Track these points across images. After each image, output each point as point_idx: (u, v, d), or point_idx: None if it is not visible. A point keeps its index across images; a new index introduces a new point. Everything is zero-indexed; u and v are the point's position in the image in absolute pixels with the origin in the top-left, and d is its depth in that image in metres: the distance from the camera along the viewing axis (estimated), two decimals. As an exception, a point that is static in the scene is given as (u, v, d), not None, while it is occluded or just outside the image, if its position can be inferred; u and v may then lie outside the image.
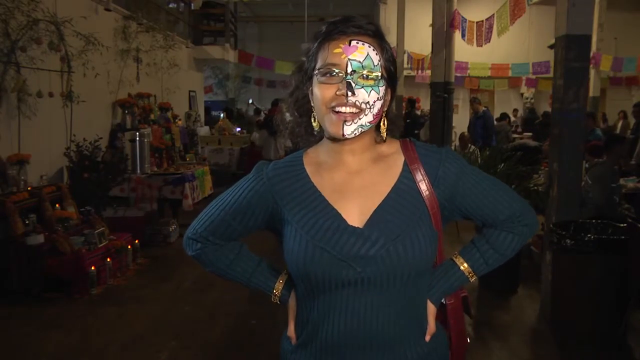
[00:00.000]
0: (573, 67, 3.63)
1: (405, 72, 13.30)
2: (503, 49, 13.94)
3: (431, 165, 1.11)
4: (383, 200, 1.09)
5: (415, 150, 1.13)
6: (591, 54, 5.10)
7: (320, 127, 1.11)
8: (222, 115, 12.77)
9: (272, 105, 9.67)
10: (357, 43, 1.04)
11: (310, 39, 1.11)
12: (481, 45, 7.21)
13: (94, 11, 6.28)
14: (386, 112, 1.12)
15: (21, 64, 4.76)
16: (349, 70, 1.03)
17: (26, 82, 4.76)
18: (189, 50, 10.21)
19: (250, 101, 16.43)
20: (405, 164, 1.12)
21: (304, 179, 1.13)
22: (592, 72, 10.65)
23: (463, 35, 7.44)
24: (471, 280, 1.19)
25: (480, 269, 1.18)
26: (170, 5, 10.41)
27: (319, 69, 1.06)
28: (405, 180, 1.11)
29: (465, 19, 7.47)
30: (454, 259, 1.18)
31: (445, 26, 7.58)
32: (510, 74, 14.17)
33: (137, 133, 6.19)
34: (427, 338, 1.13)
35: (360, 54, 1.03)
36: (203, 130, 10.69)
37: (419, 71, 13.44)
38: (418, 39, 13.04)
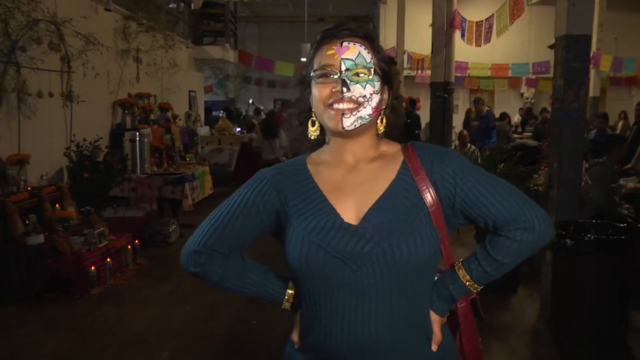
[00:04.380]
0: (573, 67, 3.63)
1: (405, 72, 13.30)
2: (503, 49, 13.94)
3: (431, 163, 1.11)
4: (380, 197, 1.09)
5: (415, 150, 1.14)
6: (591, 54, 5.11)
7: (319, 132, 1.14)
8: (222, 115, 12.77)
9: (282, 106, 9.61)
10: (349, 43, 1.09)
11: (310, 48, 1.15)
12: (480, 46, 7.22)
13: (94, 11, 6.28)
14: (385, 111, 1.14)
15: (21, 64, 4.76)
16: (343, 68, 1.08)
17: (26, 82, 4.77)
18: (189, 50, 10.21)
19: (251, 101, 16.43)
20: (404, 162, 1.13)
21: (304, 175, 1.15)
22: (592, 72, 10.64)
23: (463, 35, 7.44)
24: (473, 290, 1.14)
25: (480, 277, 1.12)
26: (170, 5, 10.41)
27: (314, 71, 1.10)
28: (404, 177, 1.11)
29: (465, 19, 7.47)
30: (455, 265, 1.14)
31: (445, 26, 7.58)
32: (510, 74, 14.18)
33: (137, 133, 6.20)
34: (434, 348, 1.11)
35: (352, 52, 1.08)
36: (203, 130, 10.69)
37: (419, 71, 13.45)
38: (418, 39, 13.02)
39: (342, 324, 1.06)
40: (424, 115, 10.30)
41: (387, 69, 1.13)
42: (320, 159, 1.17)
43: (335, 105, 1.07)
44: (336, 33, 1.10)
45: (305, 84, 1.15)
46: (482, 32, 6.94)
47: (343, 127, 1.07)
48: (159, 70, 8.08)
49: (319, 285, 1.07)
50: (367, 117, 1.08)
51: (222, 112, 13.29)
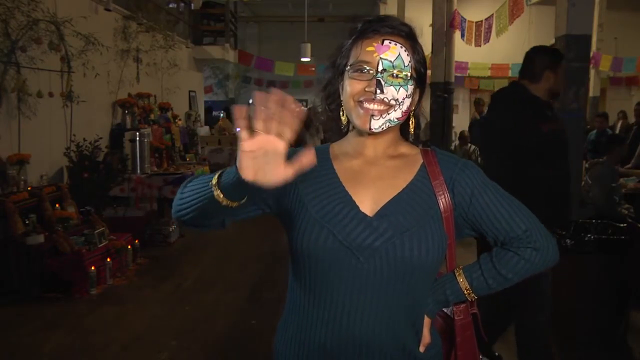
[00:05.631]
0: (573, 67, 3.63)
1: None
2: (503, 49, 13.91)
3: (450, 170, 1.12)
4: (397, 194, 1.09)
5: (435, 155, 1.15)
6: (591, 54, 5.11)
7: (348, 121, 1.13)
8: (222, 115, 12.77)
9: None
10: (390, 43, 1.06)
11: (345, 35, 1.13)
12: (480, 45, 7.23)
13: (94, 11, 6.28)
14: (414, 113, 1.15)
15: (21, 64, 4.76)
16: (380, 68, 1.05)
17: (26, 82, 4.77)
18: (189, 50, 10.21)
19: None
20: (423, 165, 1.13)
21: (326, 162, 1.14)
22: (592, 72, 10.65)
23: (462, 35, 7.45)
24: (469, 299, 1.14)
25: (480, 287, 1.13)
26: (170, 5, 10.41)
27: (350, 65, 1.08)
28: (422, 179, 1.12)
29: (465, 19, 7.48)
30: (456, 271, 1.14)
31: (445, 26, 7.59)
32: (510, 74, 14.14)
33: (137, 133, 6.20)
34: (422, 349, 1.11)
35: (392, 53, 1.06)
36: (203, 130, 10.69)
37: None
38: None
39: (341, 315, 1.05)
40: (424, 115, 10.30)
41: (423, 71, 1.12)
42: (342, 149, 1.17)
43: (366, 105, 1.05)
44: (378, 28, 1.07)
45: (338, 71, 1.13)
46: (482, 32, 6.94)
47: (370, 129, 1.06)
48: (159, 70, 8.08)
49: (321, 272, 1.06)
50: (396, 120, 1.08)
51: (222, 112, 13.28)
